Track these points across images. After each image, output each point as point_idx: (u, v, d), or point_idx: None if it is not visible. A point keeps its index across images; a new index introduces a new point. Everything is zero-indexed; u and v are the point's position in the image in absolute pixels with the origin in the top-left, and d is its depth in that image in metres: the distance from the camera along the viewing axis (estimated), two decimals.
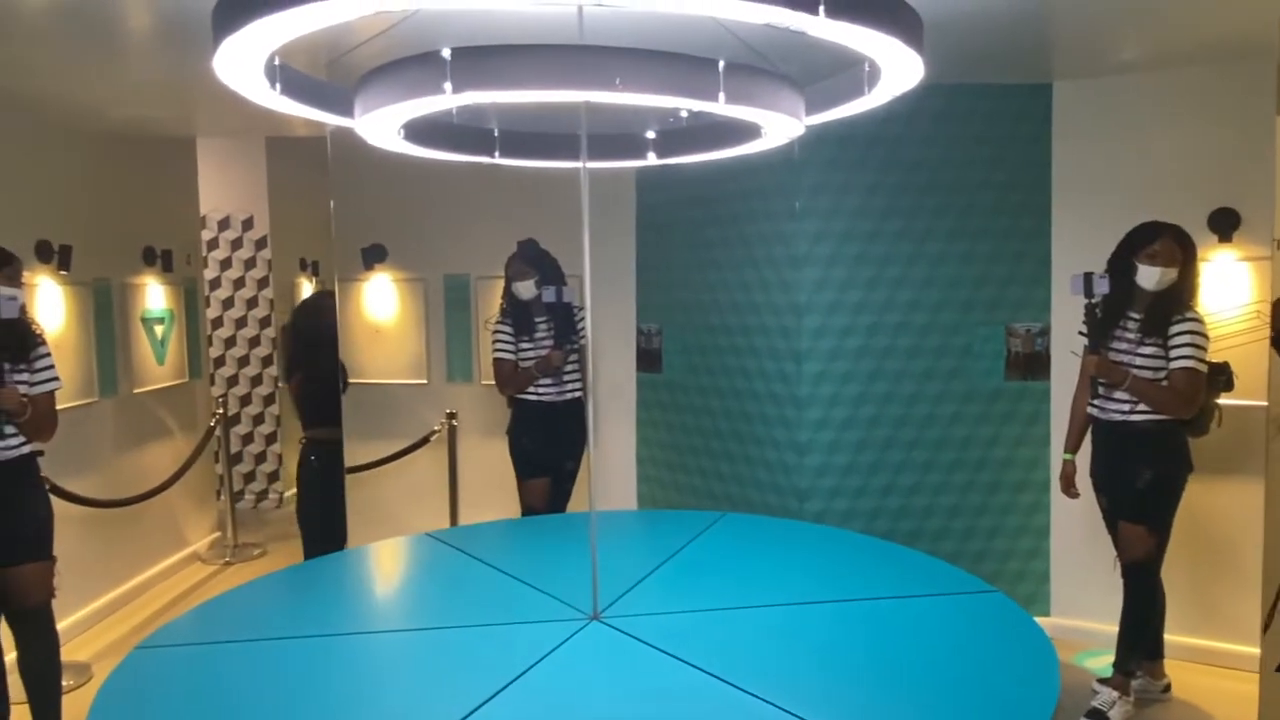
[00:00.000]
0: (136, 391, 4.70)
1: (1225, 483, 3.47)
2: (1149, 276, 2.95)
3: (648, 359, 4.39)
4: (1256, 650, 2.79)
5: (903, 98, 1.88)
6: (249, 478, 6.34)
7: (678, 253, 4.18)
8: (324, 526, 3.92)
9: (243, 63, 1.56)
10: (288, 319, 5.41)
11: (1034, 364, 3.81)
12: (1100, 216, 3.54)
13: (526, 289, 3.71)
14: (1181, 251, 2.96)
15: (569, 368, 3.80)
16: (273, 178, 6.10)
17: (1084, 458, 3.23)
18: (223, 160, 5.91)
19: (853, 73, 1.89)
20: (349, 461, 4.08)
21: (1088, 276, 2.98)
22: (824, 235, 3.68)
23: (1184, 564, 3.42)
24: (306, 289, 6.24)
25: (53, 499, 3.03)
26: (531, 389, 3.77)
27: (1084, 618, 3.73)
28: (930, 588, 2.36)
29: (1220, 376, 3.03)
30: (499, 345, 3.77)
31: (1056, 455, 3.63)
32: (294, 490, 4.17)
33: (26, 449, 2.82)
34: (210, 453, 5.33)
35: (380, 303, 4.54)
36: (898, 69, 1.66)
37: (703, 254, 4.06)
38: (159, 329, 4.93)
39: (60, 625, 3.01)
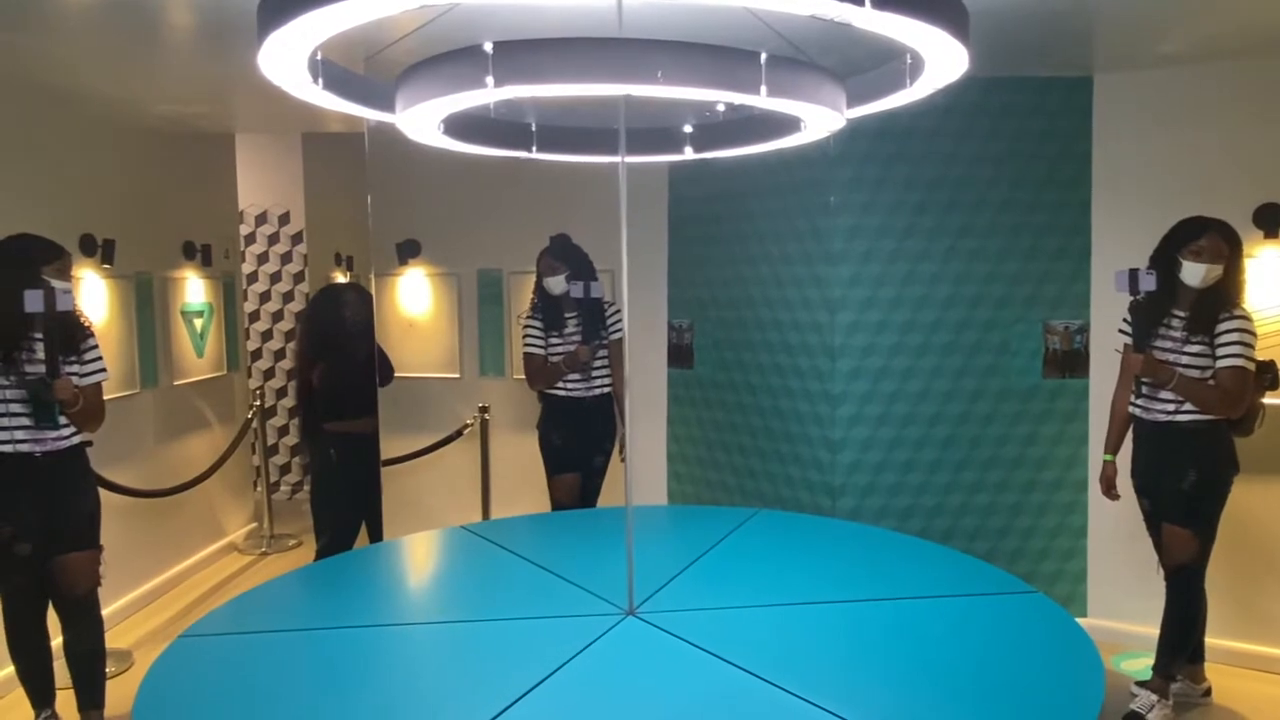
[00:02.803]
0: (176, 383, 4.79)
1: (1269, 483, 3.40)
2: (1194, 273, 2.89)
3: (679, 355, 4.38)
4: None
5: (941, 91, 1.86)
6: (284, 469, 6.43)
7: (710, 248, 4.17)
8: (338, 521, 3.86)
9: (287, 58, 1.58)
10: (305, 309, 5.45)
11: (1072, 361, 3.76)
12: (1141, 212, 3.47)
13: (556, 284, 3.72)
14: (1228, 247, 2.89)
15: (598, 363, 3.80)
16: (309, 173, 6.18)
17: (1123, 458, 3.18)
18: (260, 156, 5.99)
19: (894, 65, 1.86)
20: (383, 454, 4.11)
21: (1133, 273, 2.91)
22: (858, 230, 3.65)
23: (1226, 566, 3.35)
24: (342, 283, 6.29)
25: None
26: (560, 384, 3.78)
27: (1121, 619, 3.68)
28: (968, 587, 2.34)
29: (1266, 375, 2.97)
30: (529, 339, 3.79)
31: (1094, 454, 3.57)
32: None
33: (77, 439, 2.89)
34: (247, 444, 5.41)
35: (414, 297, 4.58)
36: (942, 61, 1.64)
37: (735, 249, 4.05)
38: (198, 322, 5.01)
39: (103, 613, 3.06)
